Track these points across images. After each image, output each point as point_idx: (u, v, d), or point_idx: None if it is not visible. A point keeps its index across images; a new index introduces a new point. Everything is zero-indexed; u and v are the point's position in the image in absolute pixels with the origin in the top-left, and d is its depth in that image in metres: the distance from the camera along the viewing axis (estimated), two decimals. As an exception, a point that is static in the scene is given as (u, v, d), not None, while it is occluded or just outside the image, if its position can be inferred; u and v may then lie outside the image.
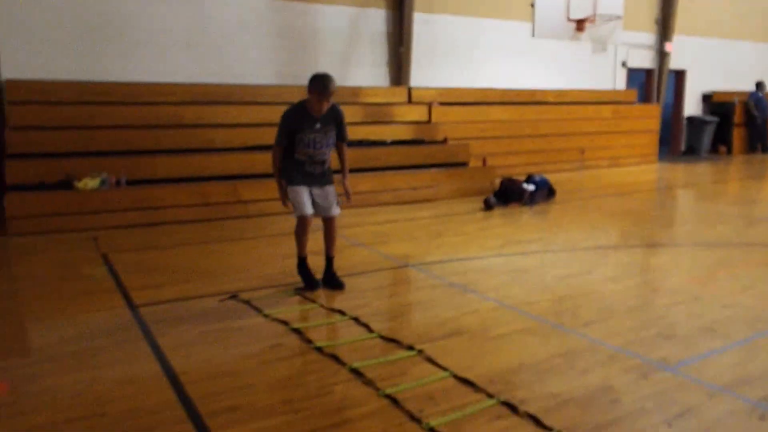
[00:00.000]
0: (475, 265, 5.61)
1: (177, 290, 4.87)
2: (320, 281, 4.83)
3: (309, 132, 4.52)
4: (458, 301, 4.58)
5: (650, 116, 14.98)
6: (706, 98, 17.25)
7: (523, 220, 7.95)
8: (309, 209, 4.63)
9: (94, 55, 8.97)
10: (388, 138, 10.30)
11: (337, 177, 4.87)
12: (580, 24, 9.37)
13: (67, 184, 7.06)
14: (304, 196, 4.63)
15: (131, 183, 7.46)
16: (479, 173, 9.91)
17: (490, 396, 3.04)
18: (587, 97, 14.16)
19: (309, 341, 3.77)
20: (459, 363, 3.42)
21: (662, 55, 15.89)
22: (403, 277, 5.33)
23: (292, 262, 4.95)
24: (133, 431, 2.78)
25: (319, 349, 3.64)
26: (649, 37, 15.74)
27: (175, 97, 9.28)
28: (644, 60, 15.84)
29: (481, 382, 3.18)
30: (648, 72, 16.17)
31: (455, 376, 3.26)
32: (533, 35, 9.25)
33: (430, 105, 11.50)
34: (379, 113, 10.84)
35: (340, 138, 4.74)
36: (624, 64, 15.40)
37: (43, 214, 6.76)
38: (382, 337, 3.82)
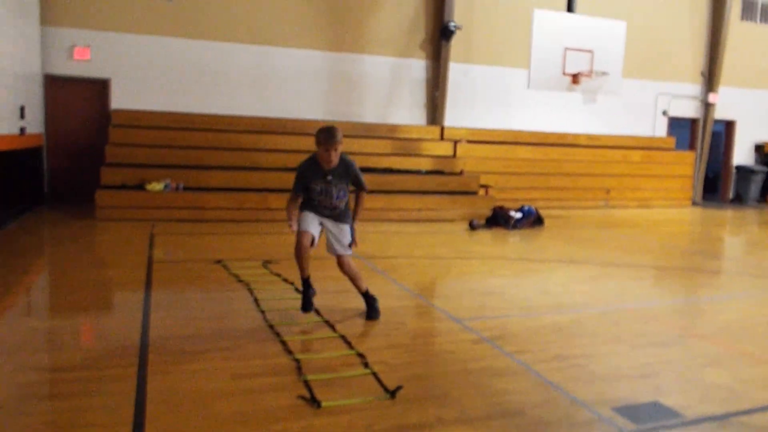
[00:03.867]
0: (405, 261, 7.39)
1: (188, 256, 7.08)
2: (311, 307, 4.86)
3: (320, 183, 4.65)
4: (368, 278, 6.40)
5: (685, 163, 15.78)
6: (758, 148, 17.67)
7: (489, 239, 9.55)
8: (310, 228, 4.69)
9: (180, 92, 11.69)
10: (412, 167, 12.19)
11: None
12: (575, 78, 10.80)
13: (140, 186, 9.63)
14: (309, 219, 4.74)
15: (187, 189, 9.91)
16: (481, 201, 11.55)
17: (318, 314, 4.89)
18: (621, 143, 15.32)
19: (250, 289, 5.74)
20: (324, 303, 5.27)
21: (707, 106, 16.66)
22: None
23: (279, 250, 6.76)
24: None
25: (241, 281, 5.64)
26: (693, 88, 16.60)
27: (238, 126, 11.79)
28: (688, 110, 16.71)
29: (323, 310, 5.03)
30: (693, 121, 16.96)
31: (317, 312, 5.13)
32: (528, 86, 10.84)
33: (455, 142, 13.28)
34: (408, 147, 12.78)
35: (359, 188, 4.88)
36: (665, 113, 16.37)
37: (121, 206, 9.35)
38: (296, 289, 5.73)
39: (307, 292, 4.85)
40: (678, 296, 6.33)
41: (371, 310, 4.98)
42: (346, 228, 4.85)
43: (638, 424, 3.25)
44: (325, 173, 4.64)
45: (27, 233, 8.38)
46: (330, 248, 4.88)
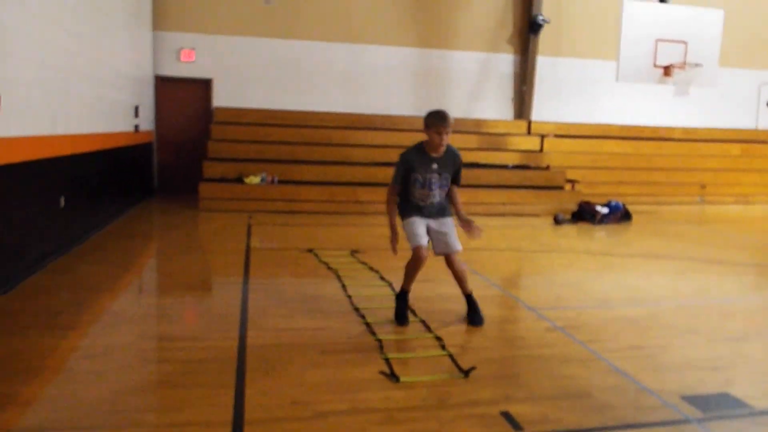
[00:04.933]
0: (487, 254, 7.59)
1: (282, 245, 7.63)
2: (407, 320, 4.66)
3: (424, 172, 4.40)
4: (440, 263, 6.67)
5: (791, 156, 14.91)
6: None
7: (573, 233, 9.55)
8: (425, 239, 4.52)
9: (276, 89, 12.38)
10: (498, 162, 12.31)
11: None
12: (667, 69, 10.50)
13: (239, 179, 10.34)
14: (419, 227, 4.51)
15: (282, 182, 10.53)
16: (567, 196, 11.49)
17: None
18: (718, 135, 14.69)
19: (338, 276, 6.17)
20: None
21: (819, 96, 15.65)
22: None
23: (367, 241, 7.20)
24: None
25: (331, 268, 6.06)
26: (804, 77, 15.63)
27: (329, 122, 12.34)
28: (798, 100, 15.75)
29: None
30: (803, 112, 15.97)
31: (390, 285, 5.47)
32: (617, 79, 10.64)
33: (542, 137, 13.24)
34: (495, 141, 12.89)
35: (455, 181, 4.61)
36: (769, 104, 15.54)
37: (222, 197, 10.09)
38: (381, 277, 6.10)
39: (406, 304, 4.75)
40: (766, 293, 6.18)
41: (476, 315, 4.69)
42: (451, 221, 4.59)
43: (705, 412, 3.36)
44: (432, 161, 4.39)
45: (140, 221, 9.26)
46: (439, 248, 4.59)
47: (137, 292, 5.73)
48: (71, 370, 3.71)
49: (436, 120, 4.30)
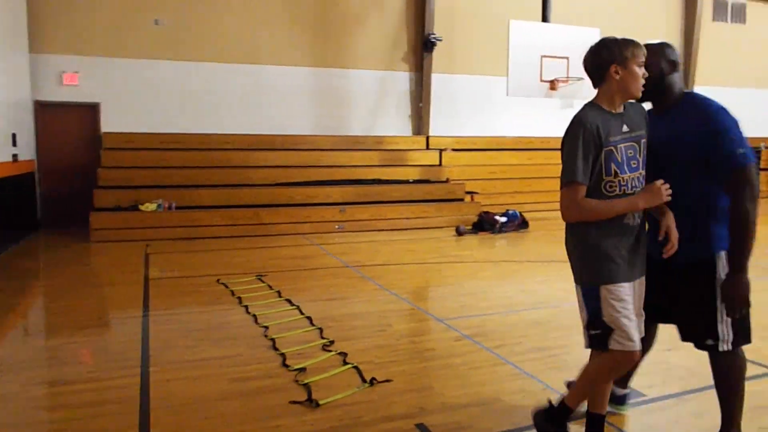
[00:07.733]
0: (393, 268, 7.67)
1: (183, 273, 7.33)
2: None
3: (619, 141, 2.60)
4: (357, 285, 6.68)
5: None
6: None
7: (475, 244, 9.84)
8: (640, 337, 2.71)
9: (171, 112, 11.97)
10: (399, 177, 12.50)
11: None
12: (552, 84, 11.20)
13: (134, 207, 9.88)
14: (630, 303, 2.71)
15: (180, 207, 10.16)
16: (467, 207, 11.85)
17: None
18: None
19: (244, 302, 6.02)
20: (317, 310, 5.54)
21: (685, 105, 17.08)
22: (334, 267, 7.45)
23: (271, 263, 7.06)
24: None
25: (243, 299, 5.89)
26: (671, 88, 17.00)
27: (228, 144, 12.06)
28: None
29: (315, 318, 5.29)
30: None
31: (298, 307, 5.39)
32: (507, 94, 11.21)
33: (441, 151, 13.61)
34: (395, 158, 13.09)
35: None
36: (644, 114, 16.77)
37: (115, 227, 9.60)
38: (287, 300, 5.99)
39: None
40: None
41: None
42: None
43: (605, 405, 3.52)
44: (619, 119, 2.64)
45: (23, 258, 8.62)
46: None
47: (23, 336, 5.31)
48: (-51, 426, 3.38)
49: (635, 46, 2.66)
